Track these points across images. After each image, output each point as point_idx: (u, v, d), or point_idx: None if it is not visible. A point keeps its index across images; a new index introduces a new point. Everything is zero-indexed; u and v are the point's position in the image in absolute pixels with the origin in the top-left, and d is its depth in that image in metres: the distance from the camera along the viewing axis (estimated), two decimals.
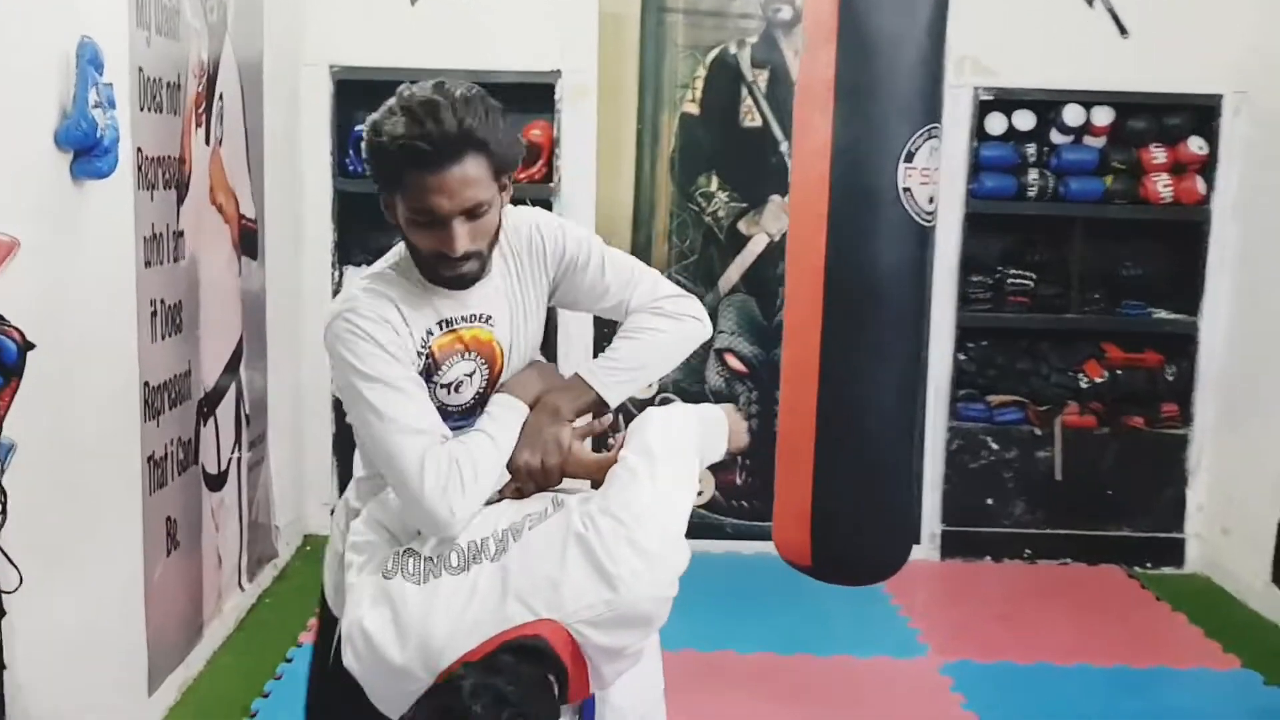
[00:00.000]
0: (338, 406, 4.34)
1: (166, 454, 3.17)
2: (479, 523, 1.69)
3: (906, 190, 2.96)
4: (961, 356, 4.64)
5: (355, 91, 4.37)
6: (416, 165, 1.67)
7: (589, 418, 1.93)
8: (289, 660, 3.55)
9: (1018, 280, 4.59)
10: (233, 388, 3.74)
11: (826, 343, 3.08)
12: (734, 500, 4.68)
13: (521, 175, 4.39)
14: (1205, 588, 4.50)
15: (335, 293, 4.24)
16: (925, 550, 4.63)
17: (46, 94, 2.45)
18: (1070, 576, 4.55)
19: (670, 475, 1.72)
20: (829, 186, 2.98)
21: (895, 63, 2.90)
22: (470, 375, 1.84)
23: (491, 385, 1.87)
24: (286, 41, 4.28)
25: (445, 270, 1.76)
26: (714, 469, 4.60)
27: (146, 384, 3.02)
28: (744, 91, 4.50)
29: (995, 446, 4.60)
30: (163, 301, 3.10)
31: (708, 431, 1.91)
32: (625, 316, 1.97)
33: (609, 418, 1.95)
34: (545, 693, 1.54)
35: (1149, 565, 4.63)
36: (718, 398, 4.62)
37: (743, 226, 4.57)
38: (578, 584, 1.58)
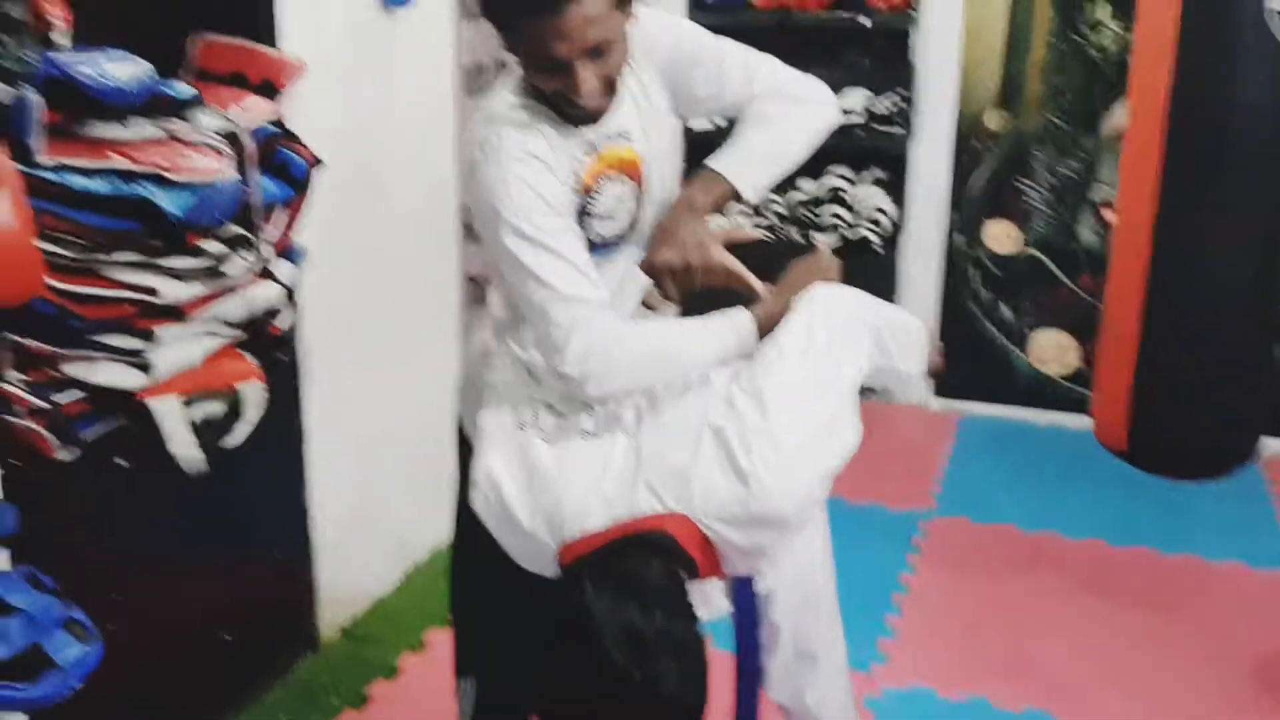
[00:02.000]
0: None
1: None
2: None
3: (1276, 12, 2.44)
4: None
5: None
6: (529, 12, 1.50)
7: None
8: None
9: None
10: None
11: (1165, 195, 2.67)
12: None
13: (880, 1, 4.11)
14: None
15: None
16: None
17: None
18: None
19: (824, 358, 1.54)
20: (1180, 3, 2.53)
21: None
22: (622, 199, 1.73)
23: (640, 205, 1.76)
24: None
25: (575, 111, 1.61)
26: (1079, 337, 4.25)
27: (466, 207, 3.23)
28: None
29: None
30: None
31: (897, 335, 1.69)
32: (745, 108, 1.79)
33: (754, 229, 1.76)
34: (681, 607, 1.43)
35: None
36: (1089, 257, 4.17)
37: None
38: (710, 479, 1.46)
